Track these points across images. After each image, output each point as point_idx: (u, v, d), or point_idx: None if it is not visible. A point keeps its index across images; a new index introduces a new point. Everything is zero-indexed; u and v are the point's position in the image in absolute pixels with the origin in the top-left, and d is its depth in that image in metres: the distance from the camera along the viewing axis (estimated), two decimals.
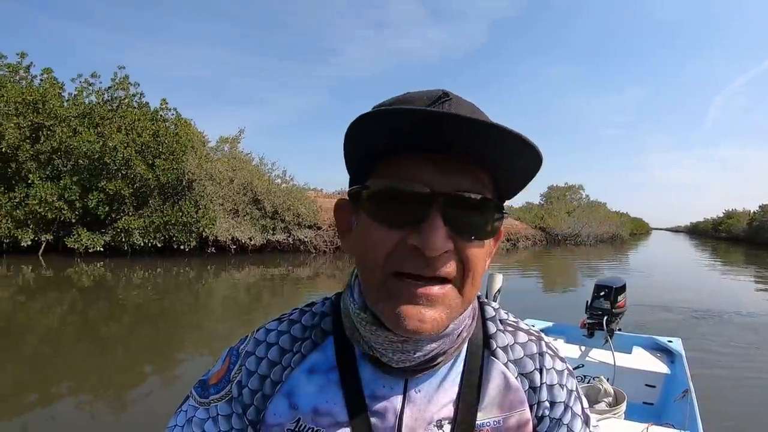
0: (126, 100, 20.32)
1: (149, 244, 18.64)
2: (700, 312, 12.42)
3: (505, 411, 0.83)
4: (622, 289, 4.90)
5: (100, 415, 5.57)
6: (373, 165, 0.73)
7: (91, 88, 20.26)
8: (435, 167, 0.67)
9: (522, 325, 0.92)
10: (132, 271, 15.85)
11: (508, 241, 37.03)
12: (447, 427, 0.80)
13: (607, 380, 4.08)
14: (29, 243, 17.54)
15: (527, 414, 0.84)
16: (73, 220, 17.89)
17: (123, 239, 18.22)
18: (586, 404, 0.93)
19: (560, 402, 0.87)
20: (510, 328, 0.90)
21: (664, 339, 4.97)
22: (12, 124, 17.20)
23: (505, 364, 0.85)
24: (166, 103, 21.09)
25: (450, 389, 0.81)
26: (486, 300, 0.92)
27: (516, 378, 0.85)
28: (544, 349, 0.89)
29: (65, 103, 19.30)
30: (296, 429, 0.79)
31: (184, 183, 19.16)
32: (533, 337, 0.90)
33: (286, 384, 0.82)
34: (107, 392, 6.11)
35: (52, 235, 18.08)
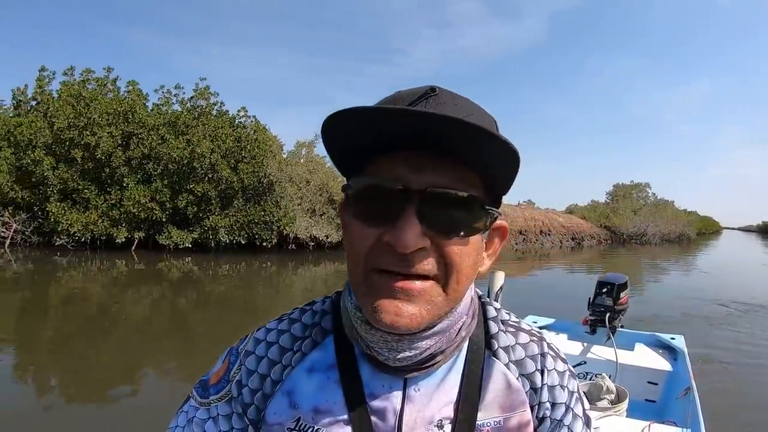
0: (207, 109, 21.56)
1: (233, 241, 19.77)
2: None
3: (506, 411, 0.83)
4: (625, 285, 4.91)
5: (182, 396, 6.08)
6: (360, 164, 0.74)
7: (175, 98, 21.61)
8: (411, 165, 0.68)
9: (523, 325, 0.92)
10: (217, 266, 16.94)
11: (572, 239, 36.88)
12: (447, 427, 0.80)
13: (609, 377, 4.11)
14: (123, 240, 18.95)
15: (528, 415, 0.85)
16: (164, 219, 19.22)
17: (210, 236, 19.51)
18: (587, 405, 0.94)
19: (561, 403, 0.88)
20: (511, 329, 0.90)
21: (666, 336, 4.95)
22: (105, 134, 18.60)
23: (506, 365, 0.86)
24: (246, 111, 22.29)
25: (450, 389, 0.82)
26: (488, 300, 0.92)
27: (517, 379, 0.85)
28: (546, 350, 0.89)
29: (150, 113, 20.64)
30: (296, 428, 0.80)
31: (264, 184, 20.19)
32: (535, 338, 0.90)
33: (286, 383, 0.82)
34: (191, 374, 6.51)
35: (144, 233, 19.50)
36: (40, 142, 18.71)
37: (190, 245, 19.47)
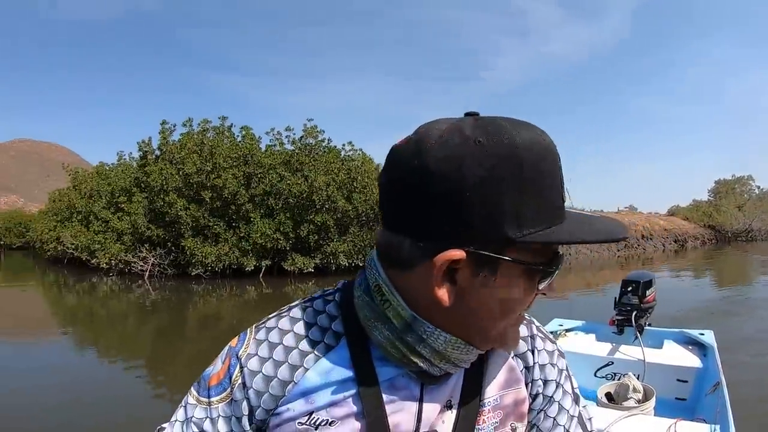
0: (316, 146, 23.31)
1: (352, 264, 21.26)
2: None
3: (504, 389, 0.88)
4: (650, 283, 4.81)
5: None
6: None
7: (286, 138, 23.53)
8: None
9: None
10: None
11: (675, 242, 36.22)
12: (455, 407, 0.84)
13: (637, 377, 4.12)
14: (252, 268, 20.94)
15: (524, 392, 0.90)
16: (288, 248, 21.00)
17: (331, 261, 21.13)
18: (576, 384, 0.99)
19: (552, 380, 0.93)
20: None
21: (695, 332, 4.85)
22: (230, 176, 20.60)
23: None
24: (352, 144, 23.97)
25: (459, 372, 0.85)
26: None
27: (512, 358, 0.90)
28: (535, 332, 0.95)
29: (265, 153, 22.57)
30: (308, 422, 0.80)
31: (376, 211, 21.35)
32: (525, 322, 0.94)
33: (300, 384, 0.81)
34: None
35: (270, 261, 21.41)
36: (172, 186, 20.84)
37: (312, 270, 21.15)
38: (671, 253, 33.03)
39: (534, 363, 0.92)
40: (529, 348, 0.92)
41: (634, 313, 4.63)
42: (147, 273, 21.69)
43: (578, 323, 5.35)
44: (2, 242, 47.64)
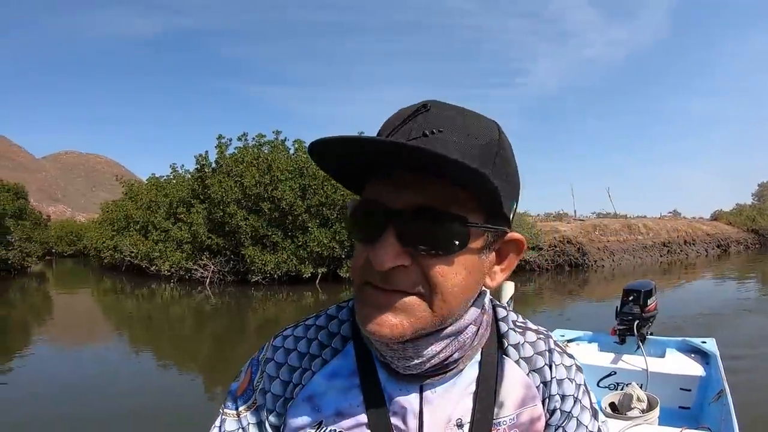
0: None
1: None
2: None
3: (519, 407, 0.86)
4: (652, 292, 4.78)
5: None
6: (362, 187, 0.78)
7: None
8: (393, 186, 0.70)
9: (530, 325, 0.95)
10: None
11: (718, 247, 35.90)
12: (466, 426, 0.83)
13: (640, 386, 4.08)
14: (308, 275, 22.00)
15: (539, 409, 0.88)
16: (343, 256, 21.98)
17: None
18: (594, 399, 0.97)
19: (570, 395, 0.90)
20: (519, 329, 0.93)
21: (697, 340, 4.79)
22: (287, 187, 21.76)
23: (517, 362, 0.89)
24: None
25: (467, 388, 0.84)
26: (497, 302, 0.95)
27: (528, 374, 0.88)
28: (552, 346, 0.92)
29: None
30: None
31: None
32: (542, 336, 0.93)
33: (308, 387, 0.85)
34: None
35: (326, 268, 22.41)
36: (231, 198, 22.05)
37: None
38: (714, 258, 32.84)
39: (552, 378, 0.89)
40: (547, 363, 0.90)
41: (635, 323, 4.62)
42: (208, 280, 23.04)
43: (580, 333, 5.34)
44: (54, 250, 49.15)
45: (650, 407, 3.86)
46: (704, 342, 4.73)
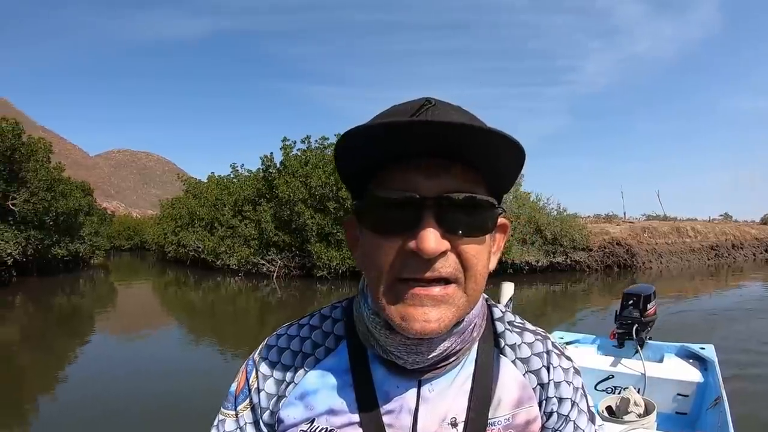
0: None
1: None
2: None
3: (515, 407, 0.86)
4: (651, 297, 4.79)
5: None
6: (368, 180, 0.76)
7: None
8: (421, 173, 0.70)
9: (528, 326, 0.95)
10: None
11: (766, 251, 35.81)
12: (460, 425, 0.83)
13: (638, 391, 4.09)
14: None
15: (535, 410, 0.87)
16: None
17: None
18: (591, 402, 0.96)
19: (567, 398, 0.90)
20: (517, 329, 0.93)
21: (696, 346, 4.77)
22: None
23: (513, 362, 0.89)
24: None
25: (462, 387, 0.84)
26: (493, 302, 0.94)
27: (524, 375, 0.88)
28: (551, 347, 0.92)
29: None
30: (309, 430, 0.84)
31: None
32: (539, 337, 0.93)
33: (300, 385, 0.86)
34: None
35: None
36: (298, 197, 23.51)
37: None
38: (762, 262, 32.93)
39: (549, 380, 0.89)
40: (544, 364, 0.90)
41: (635, 327, 4.62)
42: (275, 274, 24.68)
43: (579, 336, 5.31)
44: (112, 244, 51.10)
45: (647, 412, 3.89)
46: (703, 348, 4.73)
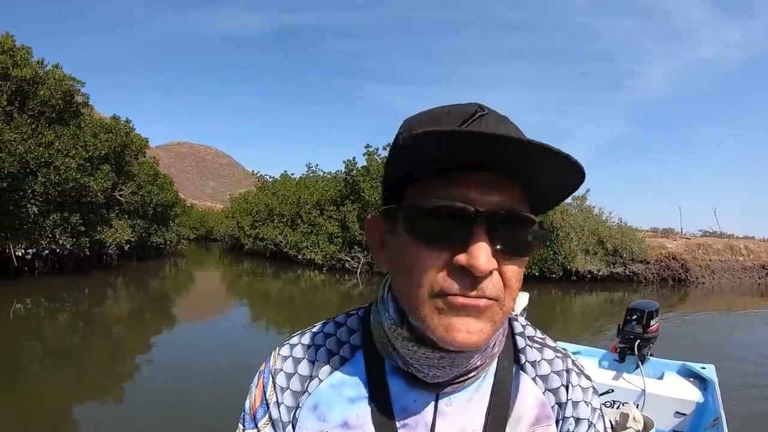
0: None
1: (529, 273, 24.70)
2: None
3: (533, 425, 0.83)
4: (656, 313, 4.76)
5: None
6: (410, 184, 0.72)
7: None
8: (475, 185, 0.66)
9: (549, 342, 0.93)
10: None
11: None
12: None
13: (637, 407, 4.06)
14: None
15: (553, 429, 0.85)
16: None
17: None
18: (608, 425, 0.94)
19: (584, 419, 0.87)
20: (537, 345, 0.91)
21: (697, 366, 4.69)
22: None
23: (533, 379, 0.86)
24: None
25: (480, 402, 0.82)
26: (513, 316, 0.91)
27: (543, 393, 0.86)
28: (570, 366, 0.90)
29: None
30: None
31: (552, 230, 25.54)
32: (560, 354, 0.91)
33: (313, 396, 0.83)
34: None
35: None
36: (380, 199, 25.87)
37: None
38: None
39: (567, 400, 0.87)
40: (563, 383, 0.88)
41: (637, 342, 4.56)
42: (358, 270, 27.12)
43: (580, 348, 5.25)
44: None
45: (646, 429, 3.84)
46: (704, 368, 4.62)
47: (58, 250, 20.95)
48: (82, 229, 21.14)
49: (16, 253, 19.06)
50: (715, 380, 4.40)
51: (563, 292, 23.21)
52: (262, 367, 0.91)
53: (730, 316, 18.41)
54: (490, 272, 0.66)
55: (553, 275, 25.29)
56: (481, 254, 0.64)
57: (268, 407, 0.86)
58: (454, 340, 0.68)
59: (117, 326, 13.00)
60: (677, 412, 4.31)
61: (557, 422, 0.86)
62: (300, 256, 30.65)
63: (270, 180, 42.69)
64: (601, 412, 0.92)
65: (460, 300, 0.66)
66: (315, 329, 0.91)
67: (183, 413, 6.55)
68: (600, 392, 4.05)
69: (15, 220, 18.59)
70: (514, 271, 0.69)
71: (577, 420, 0.87)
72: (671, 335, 12.54)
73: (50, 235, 20.18)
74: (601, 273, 26.60)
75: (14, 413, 6.40)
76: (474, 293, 0.66)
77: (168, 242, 33.68)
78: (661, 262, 28.95)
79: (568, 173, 0.64)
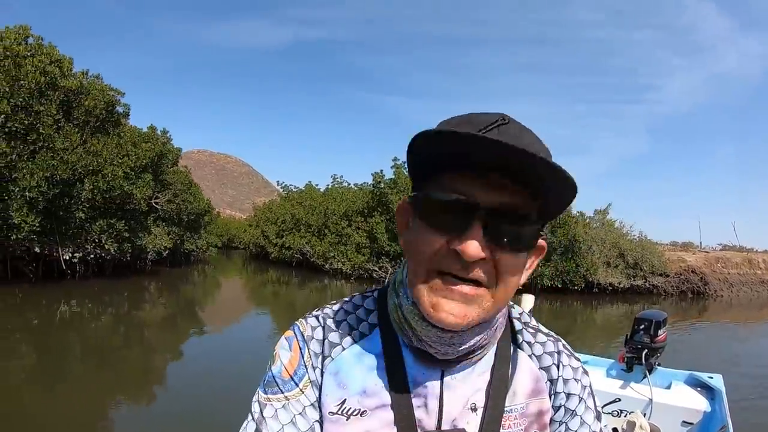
0: None
1: (552, 285, 25.63)
2: None
3: (529, 397, 0.93)
4: (663, 323, 4.78)
5: None
6: (431, 176, 0.80)
7: None
8: (481, 183, 0.74)
9: (542, 329, 1.03)
10: (540, 303, 21.70)
11: None
12: (480, 410, 0.90)
13: (644, 416, 4.10)
14: None
15: (547, 403, 0.95)
16: None
17: (537, 282, 25.40)
18: (598, 402, 1.02)
19: (575, 394, 0.97)
20: (531, 330, 1.01)
21: (704, 375, 4.71)
22: None
23: (529, 356, 0.97)
24: None
25: (482, 376, 0.91)
26: (512, 303, 0.99)
27: (538, 370, 0.96)
28: (561, 348, 1.00)
29: None
30: (340, 412, 0.88)
31: (574, 244, 26.07)
32: (552, 338, 1.01)
33: (335, 361, 0.90)
34: None
35: None
36: None
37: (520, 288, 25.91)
38: None
39: (558, 376, 0.97)
40: (555, 362, 0.98)
41: (644, 352, 4.59)
42: (386, 280, 27.47)
43: (587, 357, 5.24)
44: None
45: None
46: (711, 378, 4.63)
47: (103, 255, 21.89)
48: (126, 235, 22.08)
49: (64, 257, 19.95)
50: (723, 390, 4.42)
51: (584, 303, 23.69)
52: (289, 334, 0.96)
53: (747, 327, 19.12)
54: (483, 260, 0.75)
55: (576, 287, 25.80)
56: (472, 242, 0.73)
57: (306, 369, 0.91)
58: (437, 317, 0.77)
59: (154, 329, 13.70)
60: (684, 422, 4.34)
61: (550, 396, 0.97)
62: (327, 266, 31.28)
63: (294, 190, 43.46)
64: (591, 389, 1.02)
65: (449, 284, 0.77)
66: (336, 307, 0.98)
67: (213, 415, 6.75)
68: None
69: (63, 225, 19.51)
70: (509, 263, 0.77)
71: (568, 395, 0.98)
72: (683, 342, 13.52)
73: (96, 240, 21.13)
74: (622, 285, 27.01)
75: (62, 403, 7.02)
76: (465, 274, 0.76)
77: (199, 249, 34.58)
78: (681, 275, 29.17)
79: (561, 187, 0.72)
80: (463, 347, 0.84)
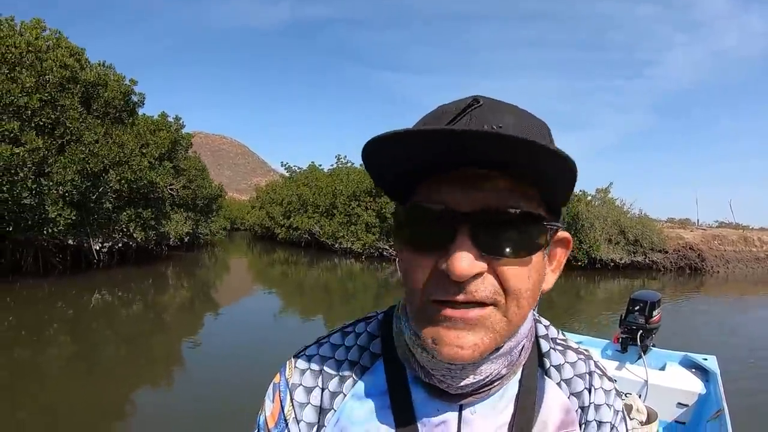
0: None
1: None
2: None
3: (558, 430, 0.81)
4: (658, 303, 4.73)
5: None
6: (406, 190, 0.70)
7: None
8: (459, 186, 0.64)
9: (571, 343, 0.90)
10: None
11: None
12: None
13: (639, 397, 4.04)
14: None
15: None
16: None
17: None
18: (630, 426, 0.96)
19: (607, 422, 0.86)
20: (560, 347, 0.88)
21: (699, 357, 4.66)
22: None
23: (558, 384, 0.84)
24: None
25: (505, 409, 0.79)
26: (537, 316, 0.89)
27: (568, 398, 0.84)
28: (593, 368, 0.88)
29: None
30: None
31: (577, 221, 27.11)
32: (582, 357, 0.88)
33: (339, 413, 0.80)
34: None
35: None
36: None
37: None
38: None
39: (590, 403, 0.85)
40: (586, 386, 0.86)
41: (639, 333, 4.54)
42: (397, 258, 28.45)
43: (582, 338, 5.18)
44: None
45: (649, 420, 3.82)
46: (705, 359, 4.58)
47: (130, 243, 22.75)
48: (152, 223, 22.95)
49: (95, 247, 20.76)
50: (717, 371, 4.33)
51: (587, 278, 24.63)
52: (277, 380, 0.87)
53: (742, 300, 20.07)
54: (481, 275, 0.63)
55: (579, 263, 26.78)
56: (461, 258, 0.61)
57: (286, 424, 0.82)
58: (440, 353, 0.66)
59: (181, 313, 14.11)
60: (679, 403, 4.24)
61: (580, 425, 0.84)
62: (337, 245, 32.08)
63: (297, 171, 43.78)
64: (623, 414, 0.91)
65: (448, 311, 0.65)
66: (333, 339, 0.88)
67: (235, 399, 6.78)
68: None
69: (93, 216, 20.20)
70: (515, 272, 0.65)
71: (600, 423, 0.86)
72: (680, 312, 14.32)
73: (124, 229, 21.92)
74: (623, 261, 27.96)
75: (98, 390, 7.25)
76: (461, 298, 0.63)
77: (212, 233, 35.32)
78: (679, 251, 29.97)
79: (556, 166, 0.60)
80: (477, 379, 0.74)
